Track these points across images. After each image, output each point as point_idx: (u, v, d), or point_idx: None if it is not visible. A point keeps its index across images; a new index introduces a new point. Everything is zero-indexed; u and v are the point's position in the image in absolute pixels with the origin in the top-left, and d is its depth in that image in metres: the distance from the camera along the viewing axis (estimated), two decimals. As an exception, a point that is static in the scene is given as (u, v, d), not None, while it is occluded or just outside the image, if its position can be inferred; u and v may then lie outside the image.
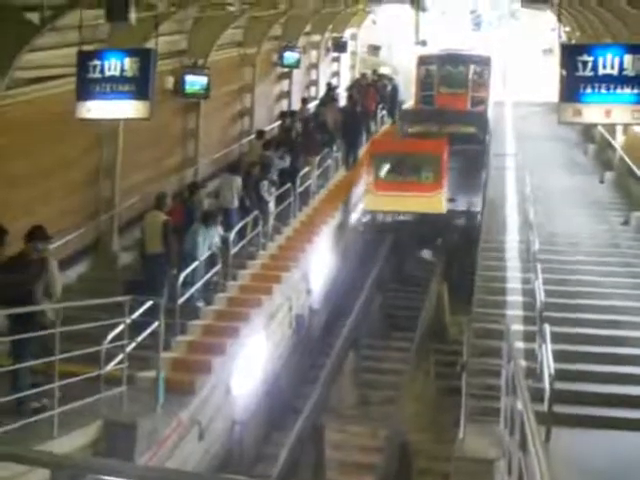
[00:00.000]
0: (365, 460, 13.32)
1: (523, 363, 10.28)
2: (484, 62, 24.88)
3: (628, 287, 13.64)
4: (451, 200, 19.31)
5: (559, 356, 9.94)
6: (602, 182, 20.67)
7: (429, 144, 19.62)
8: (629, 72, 10.54)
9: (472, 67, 24.37)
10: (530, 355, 11.00)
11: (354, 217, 20.29)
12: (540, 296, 11.84)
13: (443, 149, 19.15)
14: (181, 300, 12.44)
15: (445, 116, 21.81)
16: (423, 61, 25.15)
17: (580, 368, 10.84)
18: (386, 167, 19.19)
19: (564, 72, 10.76)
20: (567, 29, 24.70)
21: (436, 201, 18.80)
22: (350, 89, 25.74)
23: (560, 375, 9.45)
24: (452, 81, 24.44)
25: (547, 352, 9.77)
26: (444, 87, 24.20)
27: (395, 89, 27.71)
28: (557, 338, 10.57)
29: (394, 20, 33.32)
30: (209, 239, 13.69)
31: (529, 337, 11.52)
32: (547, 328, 10.29)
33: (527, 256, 14.68)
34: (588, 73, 10.65)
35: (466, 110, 23.46)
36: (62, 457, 3.85)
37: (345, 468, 13.17)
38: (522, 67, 34.16)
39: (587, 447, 8.96)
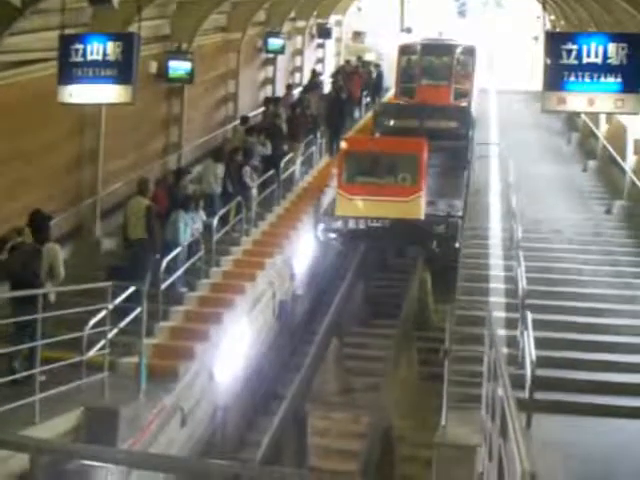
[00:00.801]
0: (348, 447, 13.36)
1: (505, 350, 10.33)
2: (468, 52, 23.43)
3: (610, 275, 13.73)
4: (430, 203, 17.58)
5: (541, 343, 10.00)
6: (585, 170, 20.74)
7: (407, 143, 18.08)
8: (613, 61, 10.57)
9: (456, 57, 22.92)
10: (512, 342, 11.06)
11: (321, 225, 18.20)
12: (522, 283, 11.89)
13: (422, 148, 17.61)
14: (164, 286, 12.42)
15: (426, 110, 20.56)
16: (404, 50, 23.78)
17: (561, 355, 10.92)
18: (359, 168, 17.57)
19: (548, 60, 10.77)
20: (552, 17, 24.73)
21: (414, 206, 17.07)
22: (335, 76, 25.67)
23: (541, 362, 9.51)
24: (434, 72, 23.01)
25: (529, 339, 9.83)
26: (426, 78, 22.75)
27: (380, 76, 27.69)
28: (539, 325, 10.64)
29: (379, 7, 33.26)
30: (190, 224, 13.66)
31: (511, 324, 11.57)
32: (529, 315, 10.35)
33: (510, 244, 14.74)
34: (572, 61, 10.67)
35: (449, 104, 22.01)
36: (42, 441, 3.83)
37: (328, 454, 13.20)
38: (507, 55, 34.18)
39: (568, 434, 9.03)
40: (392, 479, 12.81)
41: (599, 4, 17.17)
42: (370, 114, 24.31)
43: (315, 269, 18.16)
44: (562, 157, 22.36)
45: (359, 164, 17.54)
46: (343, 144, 18.54)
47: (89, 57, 11.48)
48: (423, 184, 17.26)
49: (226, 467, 3.64)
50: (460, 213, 17.36)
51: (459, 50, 23.09)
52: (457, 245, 16.10)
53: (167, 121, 18.70)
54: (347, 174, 17.53)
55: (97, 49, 11.45)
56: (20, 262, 10.14)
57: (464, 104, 22.16)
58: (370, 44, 34.33)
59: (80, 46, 11.52)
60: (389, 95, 26.38)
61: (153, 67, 17.46)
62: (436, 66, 23.23)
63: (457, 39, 24.79)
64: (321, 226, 17.94)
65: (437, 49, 23.74)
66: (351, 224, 17.46)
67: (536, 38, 31.60)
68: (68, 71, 11.58)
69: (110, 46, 11.39)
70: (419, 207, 17.08)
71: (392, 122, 20.71)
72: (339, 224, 17.63)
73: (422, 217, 17.07)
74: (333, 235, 17.86)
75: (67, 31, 11.92)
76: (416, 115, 20.41)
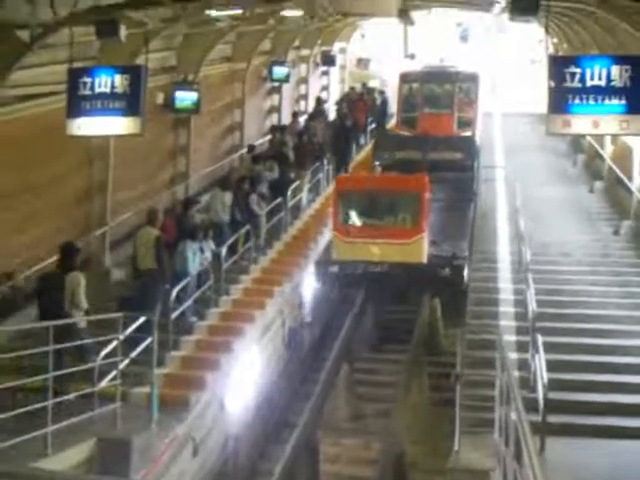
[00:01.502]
0: (360, 473, 13.29)
1: (516, 373, 10.30)
2: (471, 79, 22.82)
3: (619, 296, 13.70)
4: (432, 243, 16.32)
5: (552, 366, 9.98)
6: (591, 192, 20.73)
7: (407, 180, 17.00)
8: (617, 83, 10.63)
9: (458, 85, 22.36)
10: (523, 365, 11.03)
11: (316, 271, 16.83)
12: (532, 306, 11.89)
13: (424, 186, 16.40)
14: (174, 315, 12.44)
15: (429, 141, 19.63)
16: (404, 79, 23.05)
17: (573, 377, 10.87)
18: (356, 208, 16.51)
19: (552, 83, 10.84)
20: (555, 40, 24.86)
21: (415, 248, 15.83)
22: (340, 103, 25.83)
23: (553, 385, 9.49)
24: (436, 100, 22.45)
25: (540, 362, 9.81)
26: (428, 107, 22.18)
27: (385, 102, 27.82)
28: (550, 348, 10.61)
29: (383, 34, 33.49)
30: (199, 253, 13.71)
31: (522, 347, 11.55)
32: (539, 338, 10.33)
33: (519, 267, 14.73)
34: (576, 84, 10.72)
35: (452, 133, 21.32)
36: (55, 473, 3.84)
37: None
38: (510, 79, 34.33)
39: (582, 456, 8.98)
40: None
41: (601, 27, 17.27)
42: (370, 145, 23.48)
43: (324, 296, 18.14)
44: (568, 179, 22.39)
45: (355, 204, 16.58)
46: (337, 182, 17.61)
47: (97, 90, 11.61)
48: (425, 225, 16.12)
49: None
50: (466, 253, 16.06)
51: (461, 77, 22.61)
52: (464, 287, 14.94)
53: (174, 151, 18.84)
54: (343, 215, 16.48)
55: (105, 82, 11.58)
56: (46, 292, 10.67)
57: (468, 133, 21.52)
58: (374, 71, 34.57)
59: (88, 79, 11.66)
60: (393, 122, 25.87)
61: (160, 98, 17.63)
62: (438, 94, 22.68)
63: (459, 66, 24.32)
64: (316, 271, 16.69)
65: (439, 76, 23.14)
66: (349, 269, 16.22)
67: (533, 61, 31.73)
68: (77, 104, 11.71)
69: (118, 79, 11.52)
70: (421, 250, 15.92)
71: (393, 154, 19.76)
72: (336, 269, 16.34)
73: (424, 260, 15.88)
74: (330, 280, 16.63)
75: (75, 64, 12.06)
76: (418, 146, 19.59)
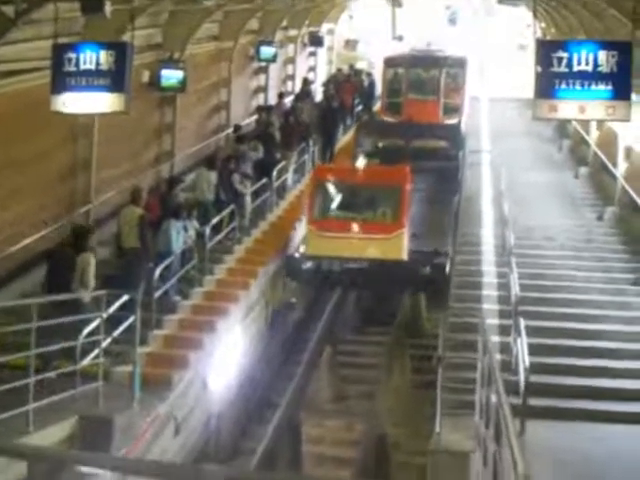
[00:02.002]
0: (342, 454, 13.36)
1: (498, 356, 10.36)
2: (459, 64, 21.97)
3: (602, 281, 13.79)
4: (413, 236, 15.44)
5: (534, 349, 10.05)
6: (576, 177, 20.79)
7: (387, 172, 16.40)
8: (603, 68, 10.63)
9: (445, 70, 21.52)
10: (505, 348, 11.10)
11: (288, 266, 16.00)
12: (515, 290, 11.94)
13: (405, 178, 15.64)
14: (157, 294, 12.42)
15: (413, 128, 18.99)
16: (389, 63, 22.28)
17: (555, 361, 10.96)
18: (333, 201, 15.80)
19: (539, 68, 10.83)
20: (543, 25, 24.85)
21: (395, 245, 15.00)
22: (327, 84, 25.73)
23: (535, 368, 9.55)
24: (422, 86, 21.65)
25: (522, 345, 9.87)
26: (413, 93, 21.37)
27: (372, 84, 27.75)
28: (532, 332, 10.68)
29: (371, 15, 33.38)
30: (182, 232, 13.67)
31: (504, 331, 11.61)
32: (522, 322, 10.39)
33: (502, 251, 14.78)
34: (563, 69, 10.72)
35: (437, 120, 20.60)
36: (39, 448, 3.84)
37: (322, 462, 13.20)
38: (498, 63, 34.30)
39: (562, 440, 9.05)
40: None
41: (589, 12, 17.28)
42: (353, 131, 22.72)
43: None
44: (554, 164, 22.45)
45: (332, 196, 15.85)
46: (313, 173, 16.77)
47: (82, 66, 11.47)
48: (406, 220, 15.28)
49: (220, 472, 3.65)
50: (449, 249, 15.21)
51: (449, 62, 21.86)
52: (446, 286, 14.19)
53: (160, 130, 18.72)
54: (319, 208, 15.73)
55: (90, 58, 11.45)
56: (56, 269, 11.30)
57: (454, 121, 20.84)
58: (362, 52, 34.45)
59: (73, 55, 11.53)
60: (378, 106, 25.53)
61: (145, 76, 17.48)
62: (424, 79, 21.94)
63: (446, 50, 23.54)
64: (288, 267, 15.91)
65: (425, 61, 22.32)
66: (324, 265, 15.42)
67: (521, 47, 31.63)
68: (61, 80, 11.58)
69: (103, 55, 11.39)
70: (401, 246, 15.08)
71: (375, 141, 19.30)
72: (309, 265, 15.51)
73: (404, 257, 15.06)
74: (303, 277, 15.86)
75: (60, 40, 11.93)
76: (402, 134, 18.96)
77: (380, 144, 19.37)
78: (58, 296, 10.60)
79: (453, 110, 21.28)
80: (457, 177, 18.41)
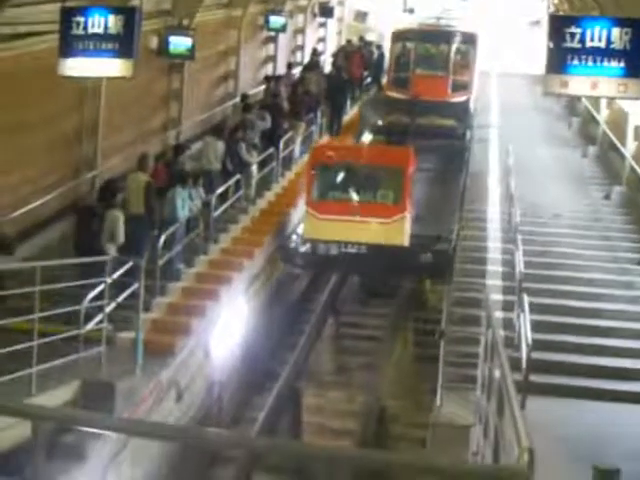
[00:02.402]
0: (342, 426, 13.43)
1: (501, 332, 10.36)
2: (469, 40, 21.21)
3: (607, 260, 13.75)
4: (417, 218, 14.99)
5: (537, 326, 10.04)
6: (585, 156, 20.67)
7: (390, 152, 15.87)
8: (616, 45, 10.52)
9: (455, 46, 20.88)
10: (508, 325, 11.08)
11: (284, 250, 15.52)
12: (520, 267, 11.91)
13: (408, 159, 15.13)
14: (162, 262, 12.42)
15: (419, 105, 18.40)
16: (397, 37, 21.65)
17: (557, 339, 10.95)
18: (332, 182, 15.26)
19: (551, 43, 10.72)
20: (555, 1, 24.59)
21: (396, 229, 14.47)
22: (336, 55, 25.55)
23: (537, 345, 9.54)
24: (431, 61, 21.00)
25: (525, 322, 9.86)
26: (421, 68, 20.67)
27: (382, 57, 27.53)
28: (535, 309, 10.66)
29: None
30: (188, 200, 13.64)
31: (508, 307, 11.60)
32: (526, 298, 10.37)
33: (508, 227, 14.74)
34: (576, 45, 10.61)
35: (445, 97, 19.94)
36: (44, 408, 3.84)
37: (322, 433, 13.27)
38: (510, 38, 34.02)
39: (562, 416, 9.08)
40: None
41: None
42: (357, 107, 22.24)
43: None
44: (562, 142, 22.32)
45: (332, 177, 15.33)
46: (312, 152, 16.09)
47: (90, 30, 11.42)
48: (408, 203, 14.79)
49: (224, 436, 3.65)
50: (453, 235, 14.56)
51: (458, 37, 21.26)
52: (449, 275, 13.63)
53: (167, 97, 18.63)
54: (318, 189, 15.24)
55: (98, 22, 11.39)
56: (84, 225, 11.80)
57: (463, 98, 20.30)
58: (372, 24, 34.17)
59: (81, 19, 11.46)
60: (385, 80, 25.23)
61: (154, 42, 17.38)
62: (433, 55, 21.33)
63: (457, 25, 22.90)
64: (284, 250, 15.45)
65: (434, 36, 21.68)
66: (321, 249, 15.05)
67: (535, 22, 31.31)
68: (69, 44, 11.52)
69: (111, 19, 11.33)
70: (402, 230, 14.56)
71: (381, 118, 18.79)
72: (306, 248, 15.16)
73: (406, 243, 14.57)
74: (298, 262, 15.44)
75: (68, 4, 11.85)
76: (408, 110, 18.40)
77: (385, 120, 18.91)
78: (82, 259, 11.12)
79: (462, 87, 20.73)
80: (464, 157, 17.98)
